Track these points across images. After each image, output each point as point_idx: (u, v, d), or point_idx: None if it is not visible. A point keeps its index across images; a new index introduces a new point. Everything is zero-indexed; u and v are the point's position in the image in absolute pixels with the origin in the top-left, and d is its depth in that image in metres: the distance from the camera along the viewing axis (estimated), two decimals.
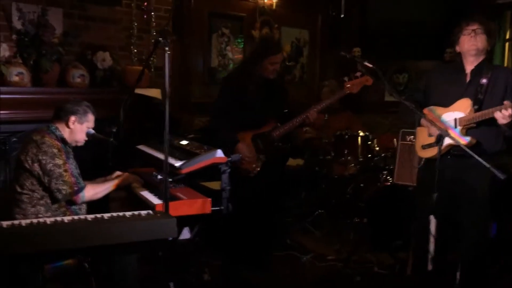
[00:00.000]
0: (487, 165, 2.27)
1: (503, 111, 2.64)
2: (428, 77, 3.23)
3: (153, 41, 4.64)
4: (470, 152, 2.37)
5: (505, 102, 2.69)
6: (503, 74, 2.92)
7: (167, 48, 2.28)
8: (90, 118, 2.84)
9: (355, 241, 4.19)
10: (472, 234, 3.00)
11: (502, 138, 2.92)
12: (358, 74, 3.48)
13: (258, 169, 3.62)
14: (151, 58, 4.64)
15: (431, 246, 2.52)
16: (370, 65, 2.74)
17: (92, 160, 3.83)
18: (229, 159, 2.79)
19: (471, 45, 2.91)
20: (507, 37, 6.00)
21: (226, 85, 3.80)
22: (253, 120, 3.63)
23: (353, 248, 4.02)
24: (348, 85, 3.59)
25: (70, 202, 2.70)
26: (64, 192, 2.61)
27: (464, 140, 2.79)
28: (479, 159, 2.30)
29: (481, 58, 2.95)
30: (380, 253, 4.06)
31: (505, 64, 5.96)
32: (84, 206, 2.78)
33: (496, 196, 3.03)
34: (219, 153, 2.75)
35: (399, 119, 3.68)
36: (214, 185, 3.21)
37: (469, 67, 2.98)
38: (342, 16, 5.96)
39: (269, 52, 3.58)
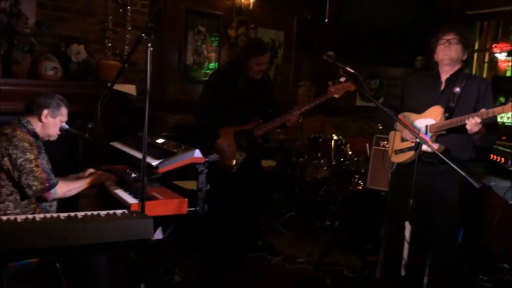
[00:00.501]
0: (463, 173, 2.31)
1: (471, 119, 2.70)
2: (404, 84, 3.29)
3: (128, 36, 4.58)
4: (447, 160, 2.42)
5: (481, 111, 2.74)
6: (476, 84, 2.97)
7: (149, 45, 2.23)
8: (64, 112, 2.75)
9: (326, 244, 4.22)
10: (441, 240, 3.06)
11: (471, 147, 2.98)
12: (342, 79, 3.51)
13: (236, 165, 3.66)
14: (126, 53, 4.57)
15: (405, 252, 2.55)
16: (352, 71, 2.76)
17: (63, 155, 3.74)
18: (207, 159, 2.76)
19: (444, 55, 2.96)
20: (476, 47, 6.16)
21: (212, 82, 3.83)
22: (236, 117, 3.68)
23: (323, 251, 4.04)
24: (332, 90, 3.63)
25: (41, 198, 2.62)
26: (34, 188, 2.53)
27: (434, 146, 2.84)
28: (456, 167, 2.35)
29: (456, 67, 3.00)
30: (350, 255, 4.11)
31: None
32: (54, 203, 2.70)
33: (464, 202, 3.11)
34: (197, 153, 2.71)
35: (376, 123, 3.74)
36: (187, 184, 3.18)
37: (444, 75, 3.04)
38: (326, 20, 6.00)
39: (255, 52, 3.60)
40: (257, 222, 4.49)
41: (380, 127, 4.02)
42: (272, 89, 4.04)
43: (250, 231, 4.13)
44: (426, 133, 2.93)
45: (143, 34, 2.27)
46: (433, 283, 3.15)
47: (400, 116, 3.07)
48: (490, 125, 2.84)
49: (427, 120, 2.95)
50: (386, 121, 3.22)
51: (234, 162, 3.66)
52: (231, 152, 3.64)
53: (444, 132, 2.88)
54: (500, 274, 3.45)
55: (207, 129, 3.66)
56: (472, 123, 2.70)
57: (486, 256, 3.55)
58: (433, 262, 3.11)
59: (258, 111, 3.79)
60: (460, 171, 2.34)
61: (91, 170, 2.97)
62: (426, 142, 2.53)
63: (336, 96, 3.66)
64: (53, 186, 2.59)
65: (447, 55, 2.95)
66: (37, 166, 2.53)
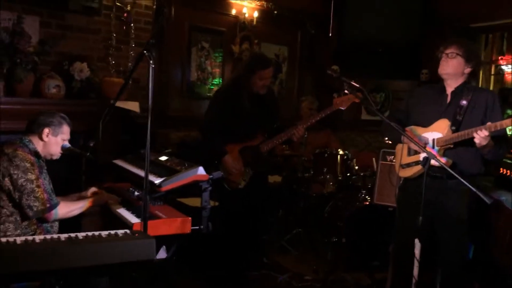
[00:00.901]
0: (474, 189, 2.25)
1: (479, 132, 2.65)
2: (409, 97, 3.25)
3: (132, 53, 4.57)
4: (455, 175, 2.36)
5: (488, 124, 2.70)
6: (484, 96, 2.93)
7: (151, 62, 2.20)
8: (65, 130, 2.72)
9: (333, 261, 4.14)
10: (449, 256, 2.99)
11: (480, 161, 2.92)
12: (347, 91, 3.48)
13: (245, 181, 3.63)
14: (129, 70, 4.55)
15: (415, 270, 2.48)
16: (357, 85, 2.73)
17: (65, 174, 3.70)
18: (211, 176, 2.71)
19: (441, 69, 2.95)
20: (482, 59, 6.12)
21: (218, 98, 3.82)
22: (242, 133, 3.66)
23: (330, 268, 3.97)
24: (338, 101, 3.60)
25: (42, 219, 2.57)
26: (35, 209, 2.49)
27: (442, 160, 2.79)
28: (466, 182, 2.29)
29: (460, 81, 2.95)
30: (357, 273, 4.04)
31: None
32: (56, 224, 2.66)
33: (473, 217, 3.04)
34: (201, 170, 2.67)
35: (381, 136, 3.69)
36: (192, 201, 3.13)
37: (449, 88, 3.00)
38: (330, 35, 5.99)
39: (258, 67, 3.58)
40: (262, 239, 4.44)
41: (387, 141, 3.96)
42: (277, 104, 4.01)
43: (255, 248, 4.07)
44: (433, 147, 2.87)
45: (145, 51, 2.25)
46: None
47: (407, 129, 3.02)
48: (499, 138, 2.79)
49: (434, 133, 2.90)
50: (393, 134, 3.17)
51: (241, 178, 3.64)
52: (237, 169, 3.61)
53: (452, 146, 2.83)
54: None
55: (213, 146, 3.63)
56: (481, 137, 2.65)
57: (497, 272, 3.47)
58: (443, 279, 3.04)
59: (264, 127, 3.76)
60: (470, 186, 2.28)
61: (93, 189, 2.93)
62: (434, 157, 2.47)
63: (342, 108, 3.62)
64: (54, 206, 2.55)
65: (444, 69, 2.94)
66: (38, 186, 2.50)
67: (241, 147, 3.66)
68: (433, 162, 2.57)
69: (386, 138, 3.67)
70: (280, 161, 4.92)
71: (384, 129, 3.28)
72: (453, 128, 2.86)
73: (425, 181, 2.50)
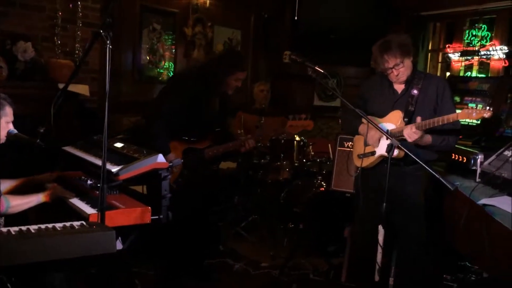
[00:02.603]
0: (437, 176, 2.28)
1: (405, 130, 2.70)
2: (363, 86, 3.25)
3: (79, 33, 4.32)
4: (422, 163, 2.38)
5: (417, 119, 2.73)
6: (433, 84, 2.96)
7: (108, 42, 2.06)
8: (8, 111, 2.49)
9: (290, 247, 4.14)
10: (406, 240, 3.04)
11: (433, 149, 2.98)
12: (303, 116, 3.41)
13: (178, 184, 3.36)
14: (76, 51, 4.31)
15: (379, 257, 2.50)
16: (321, 70, 2.69)
17: (10, 161, 3.45)
18: (170, 164, 2.60)
19: (397, 79, 2.94)
20: (430, 48, 6.27)
21: (176, 89, 3.45)
22: (192, 132, 3.43)
23: (288, 255, 3.96)
24: (291, 125, 3.47)
25: None
26: None
27: (395, 152, 2.79)
28: (431, 170, 2.31)
29: (409, 73, 2.95)
30: (315, 258, 4.06)
31: None
32: (1, 218, 2.45)
33: (429, 202, 3.11)
34: (160, 157, 2.55)
35: (341, 126, 3.67)
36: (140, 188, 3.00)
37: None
38: (296, 18, 5.91)
39: (237, 68, 3.39)
40: (217, 226, 4.36)
41: (343, 133, 3.96)
42: (230, 108, 3.82)
43: (211, 236, 3.99)
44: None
45: (101, 31, 2.10)
46: (399, 284, 3.13)
47: (364, 121, 3.03)
48: (449, 129, 2.84)
49: (388, 124, 2.92)
50: (352, 125, 3.16)
51: (175, 179, 3.35)
52: (177, 170, 3.33)
53: (404, 138, 2.84)
54: (463, 273, 3.48)
55: (157, 142, 3.27)
56: (408, 133, 2.68)
57: (450, 255, 3.57)
58: (398, 262, 3.08)
59: (214, 130, 3.55)
60: (434, 173, 2.30)
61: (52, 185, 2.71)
62: (397, 143, 2.48)
63: (293, 132, 3.52)
64: None
65: (400, 79, 2.93)
66: None
67: (185, 148, 3.43)
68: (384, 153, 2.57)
69: (342, 129, 3.65)
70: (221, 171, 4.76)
71: (343, 121, 3.27)
72: (406, 119, 2.88)
73: (388, 167, 2.50)
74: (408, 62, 2.88)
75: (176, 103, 3.35)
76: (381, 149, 2.91)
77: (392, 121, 2.91)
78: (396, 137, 2.80)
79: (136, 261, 3.53)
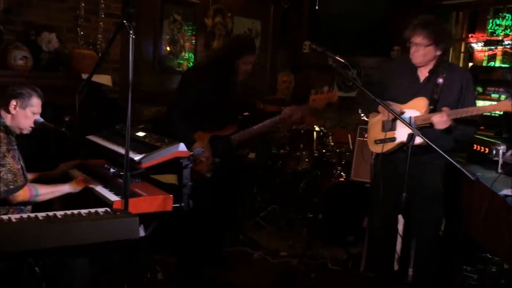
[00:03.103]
0: (458, 166, 2.27)
1: (438, 115, 2.69)
2: (384, 70, 3.23)
3: (101, 24, 4.38)
4: (442, 153, 2.37)
5: (443, 109, 2.73)
6: (458, 75, 2.94)
7: (132, 32, 2.09)
8: (35, 103, 2.55)
9: (308, 237, 4.16)
10: (424, 229, 3.03)
11: (451, 138, 2.95)
12: (325, 89, 3.39)
13: (211, 172, 3.37)
14: (99, 42, 4.37)
15: (398, 246, 2.50)
16: (342, 60, 2.68)
17: (33, 150, 3.53)
18: (192, 153, 2.64)
19: (414, 59, 2.92)
20: (453, 36, 6.18)
21: (191, 81, 3.44)
22: (215, 121, 3.40)
23: (307, 244, 3.99)
24: (313, 99, 3.42)
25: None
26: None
27: (418, 140, 2.79)
28: (451, 160, 2.30)
29: (433, 62, 2.93)
30: (334, 248, 4.08)
31: None
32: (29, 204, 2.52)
33: (446, 192, 3.09)
34: (182, 146, 2.59)
35: (358, 107, 3.63)
36: (165, 178, 3.04)
37: (424, 69, 2.98)
38: (316, 8, 5.86)
39: (245, 51, 3.34)
40: (237, 216, 4.39)
41: (362, 116, 3.95)
42: (250, 92, 3.82)
43: (230, 225, 4.03)
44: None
45: (125, 21, 2.14)
46: (419, 274, 3.13)
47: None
48: (468, 120, 2.82)
49: (411, 111, 2.89)
50: (372, 106, 3.13)
51: (207, 168, 3.36)
52: (205, 158, 3.33)
53: (429, 125, 2.83)
54: (483, 264, 3.46)
55: (181, 133, 3.24)
56: (440, 120, 2.68)
57: (469, 246, 3.55)
58: (417, 253, 3.08)
59: (237, 116, 3.54)
60: (454, 163, 2.29)
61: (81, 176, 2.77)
62: (419, 134, 2.47)
63: (317, 106, 3.46)
64: (14, 190, 2.35)
65: (416, 59, 2.91)
66: (2, 165, 2.32)
67: (211, 136, 3.41)
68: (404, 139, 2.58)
69: (361, 112, 3.61)
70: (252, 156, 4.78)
71: (362, 100, 3.24)
72: (431, 107, 2.86)
73: (409, 157, 2.49)
74: (430, 50, 2.83)
75: (192, 96, 3.33)
76: (401, 135, 2.90)
77: (416, 108, 2.88)
78: (420, 124, 2.81)
79: (158, 249, 3.59)
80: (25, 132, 2.57)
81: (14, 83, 2.62)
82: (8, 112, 2.48)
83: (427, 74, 2.97)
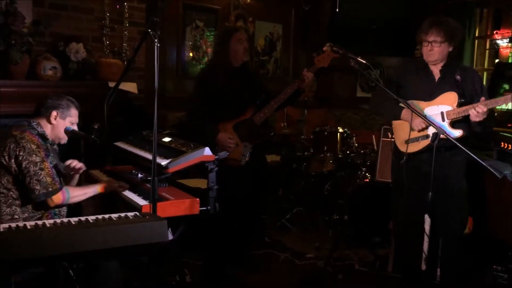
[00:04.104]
0: (485, 164, 2.25)
1: (477, 108, 2.70)
2: (398, 72, 3.26)
3: (126, 32, 4.48)
4: (466, 150, 2.36)
5: (482, 99, 2.74)
6: (469, 74, 2.99)
7: (156, 41, 2.15)
8: (73, 113, 2.67)
9: (335, 238, 4.16)
10: (450, 228, 3.01)
11: (475, 134, 2.97)
12: (325, 48, 3.42)
13: (246, 157, 3.48)
14: (124, 50, 4.47)
15: (425, 246, 2.49)
16: (364, 61, 2.70)
17: (63, 157, 3.63)
18: (217, 156, 2.68)
19: (427, 57, 2.95)
20: (477, 34, 6.10)
21: (200, 79, 3.65)
22: (231, 110, 3.51)
23: (333, 246, 3.99)
24: (318, 60, 3.48)
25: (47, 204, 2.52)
26: (37, 192, 2.41)
27: (458, 133, 2.80)
28: (477, 158, 2.29)
29: (444, 61, 2.98)
30: (360, 249, 4.07)
31: (474, 62, 6.09)
32: (64, 208, 2.62)
33: (470, 190, 3.07)
34: (207, 150, 2.63)
35: (373, 110, 3.65)
36: (191, 182, 3.10)
37: (436, 67, 3.01)
38: (337, 10, 5.89)
39: (231, 32, 3.51)
40: (262, 219, 4.43)
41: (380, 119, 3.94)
42: (258, 74, 3.94)
43: (256, 227, 4.06)
44: (443, 120, 2.87)
45: (149, 30, 2.20)
46: (446, 274, 3.10)
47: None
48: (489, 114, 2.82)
49: (442, 106, 2.90)
50: (392, 111, 3.13)
51: (241, 154, 3.48)
52: (234, 144, 3.44)
53: (461, 118, 2.84)
54: None
55: (205, 130, 3.43)
56: (479, 113, 2.70)
57: (499, 245, 3.51)
58: (443, 252, 3.05)
59: (250, 99, 3.60)
60: (481, 162, 2.28)
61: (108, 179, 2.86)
62: (443, 132, 2.47)
63: (324, 65, 3.52)
64: (52, 193, 2.45)
65: (430, 57, 2.94)
66: (41, 169, 2.44)
67: (234, 124, 3.52)
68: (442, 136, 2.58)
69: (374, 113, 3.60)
70: (279, 140, 4.87)
71: (379, 107, 3.25)
72: (462, 100, 2.87)
73: (434, 156, 2.49)
74: (445, 47, 2.89)
75: (202, 92, 3.49)
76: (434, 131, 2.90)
77: (446, 103, 2.89)
78: (454, 118, 2.83)
79: (185, 252, 3.65)
80: (62, 142, 2.68)
81: (47, 93, 2.73)
82: (50, 122, 2.60)
83: (439, 73, 3.01)
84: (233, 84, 3.48)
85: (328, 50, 3.39)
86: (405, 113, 3.01)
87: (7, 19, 3.34)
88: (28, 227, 1.99)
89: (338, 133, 4.53)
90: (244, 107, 3.57)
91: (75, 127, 2.68)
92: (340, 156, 4.53)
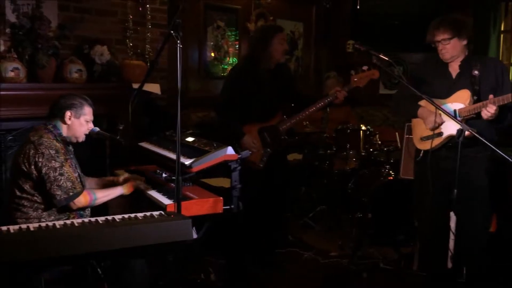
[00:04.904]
0: (510, 160, 2.22)
1: (488, 108, 2.69)
2: (418, 69, 3.29)
3: (149, 34, 4.53)
4: (491, 145, 2.33)
5: (490, 96, 2.71)
6: (491, 65, 2.96)
7: (179, 42, 2.18)
8: (87, 111, 2.67)
9: (359, 236, 4.14)
10: (473, 226, 2.96)
11: (493, 129, 2.95)
12: (365, 68, 3.41)
13: (264, 162, 3.52)
14: (147, 52, 4.52)
15: (451, 243, 2.47)
16: (386, 58, 2.69)
17: (89, 157, 3.71)
18: (239, 156, 2.71)
19: (443, 56, 2.96)
20: (502, 28, 5.99)
21: (232, 77, 3.65)
22: (260, 112, 3.53)
23: (357, 244, 3.97)
24: (355, 79, 3.50)
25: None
26: (58, 198, 2.44)
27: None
28: (503, 154, 2.26)
29: (463, 53, 2.97)
30: (384, 248, 4.04)
31: (500, 56, 5.97)
32: (88, 210, 2.66)
33: (493, 187, 3.02)
34: (230, 150, 2.66)
35: (393, 111, 3.64)
36: (214, 181, 3.13)
37: (455, 63, 3.00)
38: (358, 7, 5.85)
39: (273, 32, 3.47)
40: (285, 217, 4.43)
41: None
42: (293, 80, 3.91)
43: (279, 226, 4.07)
44: (455, 118, 2.85)
45: (172, 31, 2.23)
46: (472, 272, 3.06)
47: (423, 102, 3.00)
48: (506, 107, 2.78)
49: (455, 104, 2.89)
50: (408, 110, 3.13)
51: (260, 159, 3.53)
52: (257, 149, 3.48)
53: (474, 116, 2.82)
54: None
55: (231, 129, 3.49)
56: (490, 113, 2.70)
57: None
58: (467, 249, 3.01)
59: (281, 105, 3.64)
60: (506, 157, 2.24)
61: (126, 175, 2.91)
62: (468, 128, 2.45)
63: (360, 85, 3.53)
64: (74, 197, 2.48)
65: (445, 55, 2.95)
66: (61, 174, 2.45)
67: (259, 128, 3.54)
68: (453, 132, 2.57)
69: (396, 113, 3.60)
70: (301, 138, 4.86)
71: (397, 107, 3.26)
72: (475, 97, 2.85)
73: (459, 153, 2.47)
74: (456, 42, 2.88)
75: (234, 90, 3.49)
76: (448, 129, 2.88)
77: (459, 101, 2.88)
78: (466, 116, 2.81)
79: (209, 250, 3.68)
80: (80, 140, 2.70)
81: (67, 94, 2.77)
82: (64, 122, 2.62)
83: (458, 69, 2.99)
84: (264, 86, 3.49)
85: (368, 70, 3.38)
86: (421, 111, 3.03)
87: (34, 24, 3.42)
88: (57, 226, 2.04)
89: (361, 131, 4.50)
90: (272, 112, 3.59)
91: (91, 125, 2.70)
92: (363, 153, 4.50)
